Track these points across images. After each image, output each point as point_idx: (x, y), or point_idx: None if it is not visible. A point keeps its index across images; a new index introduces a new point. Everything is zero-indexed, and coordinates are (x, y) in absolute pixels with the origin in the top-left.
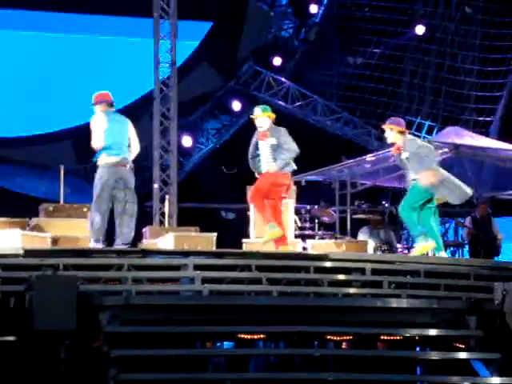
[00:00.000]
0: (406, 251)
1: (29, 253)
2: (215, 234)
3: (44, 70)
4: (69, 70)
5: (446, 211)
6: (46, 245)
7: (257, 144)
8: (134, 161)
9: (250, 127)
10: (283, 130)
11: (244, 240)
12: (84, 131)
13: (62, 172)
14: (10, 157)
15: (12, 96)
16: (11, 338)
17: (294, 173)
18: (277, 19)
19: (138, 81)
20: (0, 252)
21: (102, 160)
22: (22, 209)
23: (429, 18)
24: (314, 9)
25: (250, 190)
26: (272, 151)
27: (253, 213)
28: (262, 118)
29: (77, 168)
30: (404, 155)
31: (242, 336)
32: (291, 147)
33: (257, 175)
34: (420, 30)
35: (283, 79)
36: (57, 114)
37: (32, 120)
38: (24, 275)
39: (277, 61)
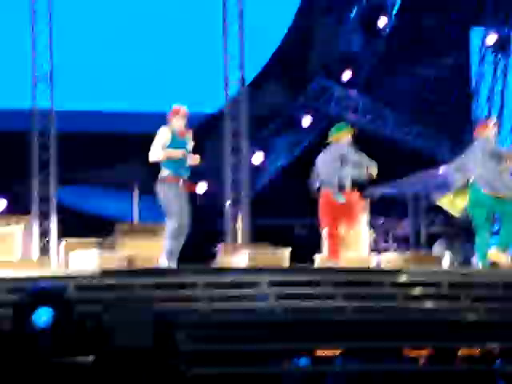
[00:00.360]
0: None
1: (105, 273)
2: (289, 249)
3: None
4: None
5: None
6: (122, 265)
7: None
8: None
9: (320, 142)
10: None
11: (317, 255)
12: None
13: (136, 190)
14: (85, 178)
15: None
16: (90, 359)
17: (368, 186)
18: (345, 33)
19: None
20: (77, 273)
21: None
22: (96, 230)
23: (500, 25)
24: (382, 21)
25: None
26: None
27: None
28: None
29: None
30: None
31: (319, 353)
32: None
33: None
34: (491, 39)
35: (353, 92)
36: None
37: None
38: (101, 296)
39: (346, 75)
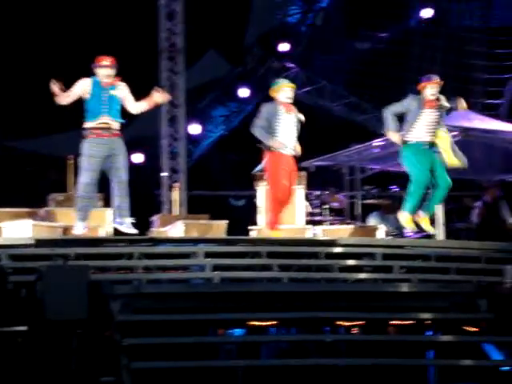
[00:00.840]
0: (416, 235)
1: (40, 243)
2: (226, 221)
3: None
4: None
5: (454, 195)
6: (57, 234)
7: (272, 117)
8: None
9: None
10: None
11: (252, 227)
12: None
13: (71, 161)
14: (20, 148)
15: None
16: (23, 328)
17: (303, 158)
18: (283, 4)
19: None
20: (11, 242)
21: None
22: (31, 200)
23: (436, 1)
24: None
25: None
26: (297, 129)
27: (260, 199)
28: (291, 89)
29: None
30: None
31: (254, 323)
32: None
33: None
34: (427, 13)
35: (291, 65)
36: None
37: None
38: (35, 265)
39: (284, 46)
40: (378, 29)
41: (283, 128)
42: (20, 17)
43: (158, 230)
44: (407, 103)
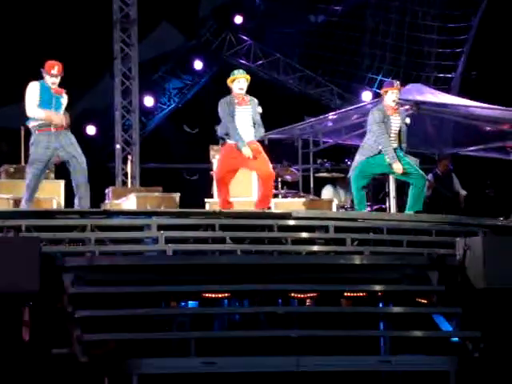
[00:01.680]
0: (369, 209)
1: None
2: (178, 194)
3: None
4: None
5: None
6: (8, 206)
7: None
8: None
9: (212, 86)
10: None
11: (207, 200)
12: None
13: (22, 132)
14: None
15: None
16: None
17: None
18: None
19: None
20: None
21: None
22: None
23: None
24: None
25: (269, 165)
26: (252, 119)
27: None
28: (245, 79)
29: None
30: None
31: (207, 295)
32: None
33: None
34: None
35: (245, 37)
36: None
37: None
38: None
39: (238, 19)
40: (332, 2)
41: (238, 120)
42: None
43: (111, 203)
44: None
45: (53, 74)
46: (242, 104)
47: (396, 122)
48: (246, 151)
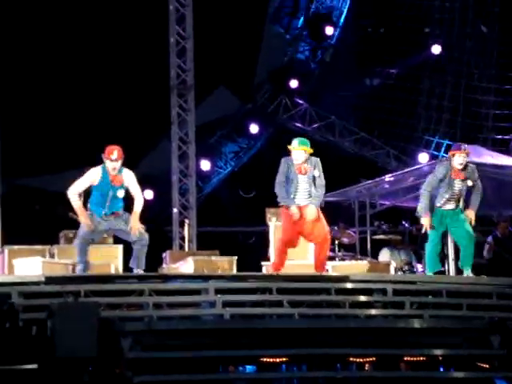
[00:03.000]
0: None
1: (50, 280)
2: (235, 257)
3: None
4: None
5: None
6: (67, 272)
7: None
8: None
9: (268, 150)
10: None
11: (263, 263)
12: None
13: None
14: (29, 185)
15: None
16: (33, 366)
17: None
18: (293, 41)
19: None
20: (21, 280)
21: None
22: (42, 237)
23: (445, 38)
24: (329, 31)
25: (325, 229)
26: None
27: (272, 235)
28: (301, 152)
29: None
30: (470, 183)
31: (264, 359)
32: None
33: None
34: (436, 49)
35: (300, 101)
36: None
37: None
38: (45, 302)
39: (293, 83)
40: (388, 65)
41: (294, 187)
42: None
43: (168, 267)
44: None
45: (112, 159)
46: (300, 172)
47: (458, 185)
48: (293, 210)
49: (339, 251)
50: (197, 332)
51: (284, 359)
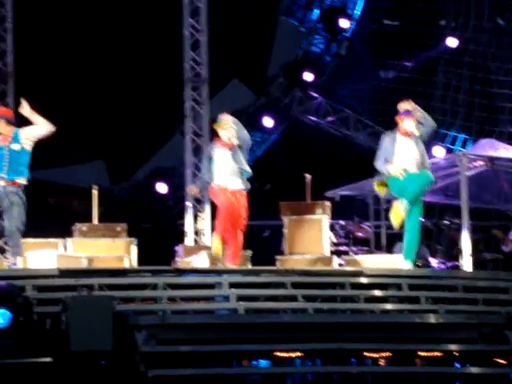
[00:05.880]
0: (442, 266)
1: (64, 273)
2: (250, 251)
3: None
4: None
5: (481, 224)
6: (81, 265)
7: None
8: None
9: (282, 143)
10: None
11: (278, 257)
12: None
13: (95, 192)
14: (41, 178)
15: None
16: (48, 359)
17: (328, 188)
18: (307, 34)
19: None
20: (35, 273)
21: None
22: (56, 229)
23: (461, 31)
24: (344, 23)
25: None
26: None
27: (287, 229)
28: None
29: (110, 188)
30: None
31: (279, 354)
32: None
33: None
34: (452, 42)
35: (314, 94)
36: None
37: None
38: (60, 296)
39: (308, 76)
40: (403, 58)
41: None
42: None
43: (182, 260)
44: None
45: None
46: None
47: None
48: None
49: (354, 246)
50: (211, 326)
51: (298, 354)
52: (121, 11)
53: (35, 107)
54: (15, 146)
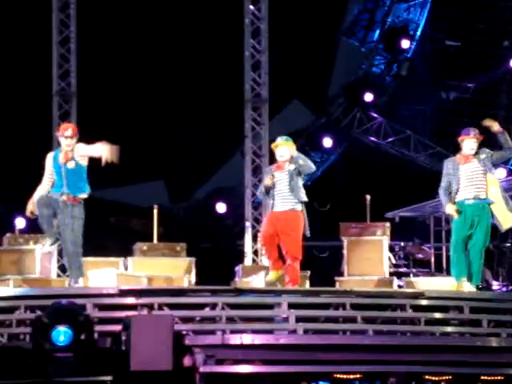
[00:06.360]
0: (504, 289)
1: (124, 292)
2: (308, 271)
3: None
4: None
5: None
6: (141, 284)
7: None
8: None
9: (342, 164)
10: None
11: (337, 278)
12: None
13: (155, 211)
14: (101, 197)
15: None
16: (108, 378)
17: (388, 209)
18: (368, 55)
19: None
20: (96, 292)
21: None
22: (116, 248)
23: None
24: (405, 44)
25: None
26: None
27: (346, 250)
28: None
29: (170, 208)
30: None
31: (338, 376)
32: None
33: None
34: None
35: (375, 115)
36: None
37: None
38: (120, 315)
39: (368, 97)
40: (464, 78)
41: None
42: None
43: (241, 281)
44: None
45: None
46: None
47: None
48: None
49: (414, 267)
50: (270, 347)
51: (358, 376)
52: (183, 32)
53: (97, 127)
54: (70, 164)
